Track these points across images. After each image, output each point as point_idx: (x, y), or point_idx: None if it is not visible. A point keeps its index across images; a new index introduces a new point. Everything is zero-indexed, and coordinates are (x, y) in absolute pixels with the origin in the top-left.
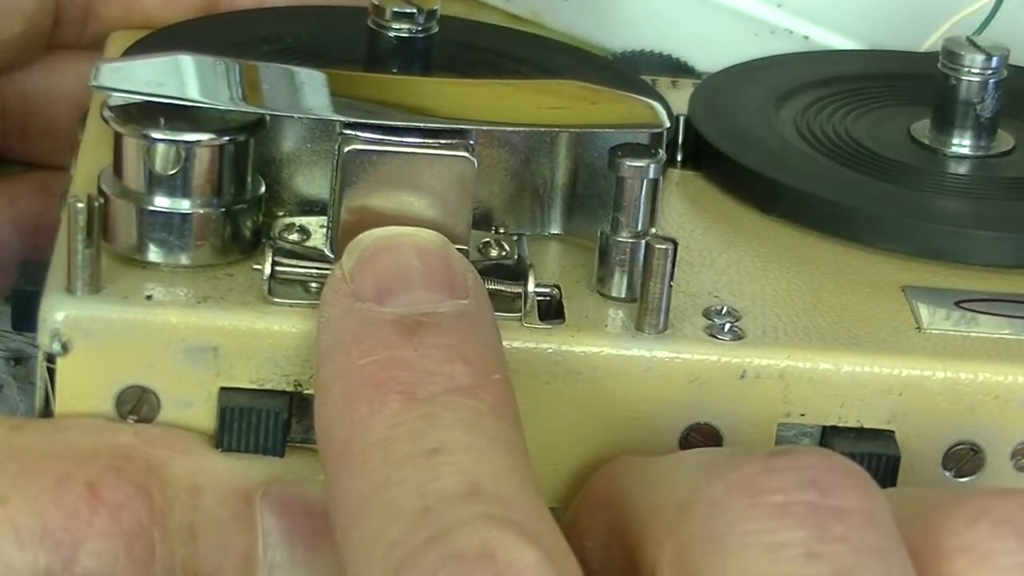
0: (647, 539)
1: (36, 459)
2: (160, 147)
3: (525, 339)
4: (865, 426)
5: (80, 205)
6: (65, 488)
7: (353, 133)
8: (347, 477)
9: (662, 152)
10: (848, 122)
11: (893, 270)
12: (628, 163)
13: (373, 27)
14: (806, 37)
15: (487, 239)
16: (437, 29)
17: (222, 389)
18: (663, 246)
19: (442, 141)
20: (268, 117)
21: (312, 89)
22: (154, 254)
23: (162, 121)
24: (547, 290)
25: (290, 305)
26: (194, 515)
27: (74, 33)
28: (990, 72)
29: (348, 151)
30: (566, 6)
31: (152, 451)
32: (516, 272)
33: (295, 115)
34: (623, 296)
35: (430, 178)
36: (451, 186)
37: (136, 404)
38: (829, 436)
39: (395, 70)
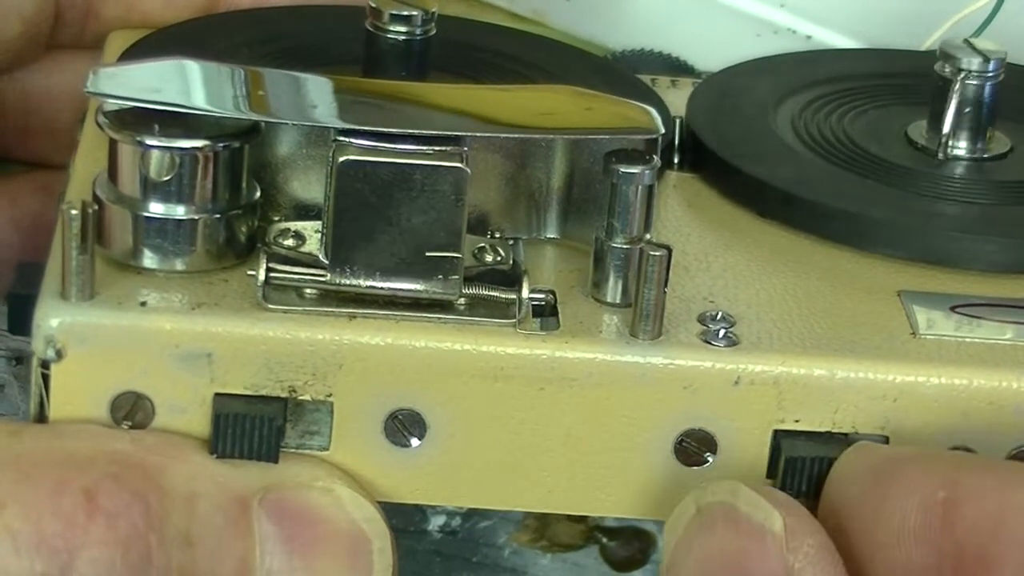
0: None
1: (33, 465)
2: (155, 153)
3: (519, 345)
4: (860, 432)
5: (74, 212)
6: (62, 495)
7: (347, 140)
8: None
9: (657, 158)
10: (846, 123)
11: (888, 274)
12: (623, 169)
13: (371, 30)
14: (809, 37)
15: (482, 244)
16: (435, 31)
17: (216, 395)
18: (657, 253)
19: (436, 149)
20: (262, 123)
21: (306, 95)
22: (149, 260)
23: (157, 127)
24: (542, 296)
25: (284, 311)
26: (191, 521)
27: (74, 33)
28: (987, 75)
29: (342, 159)
30: (568, 6)
31: (149, 458)
32: (511, 277)
33: (289, 122)
34: (618, 302)
35: (424, 186)
36: (445, 194)
37: (130, 410)
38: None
39: (392, 73)
